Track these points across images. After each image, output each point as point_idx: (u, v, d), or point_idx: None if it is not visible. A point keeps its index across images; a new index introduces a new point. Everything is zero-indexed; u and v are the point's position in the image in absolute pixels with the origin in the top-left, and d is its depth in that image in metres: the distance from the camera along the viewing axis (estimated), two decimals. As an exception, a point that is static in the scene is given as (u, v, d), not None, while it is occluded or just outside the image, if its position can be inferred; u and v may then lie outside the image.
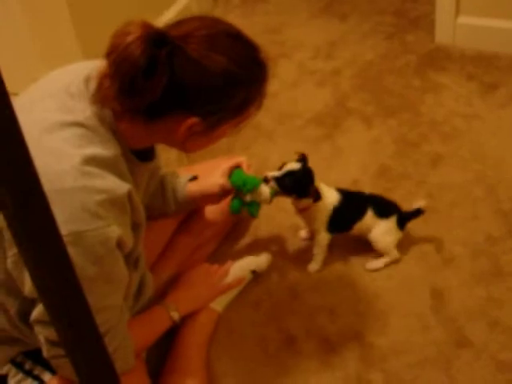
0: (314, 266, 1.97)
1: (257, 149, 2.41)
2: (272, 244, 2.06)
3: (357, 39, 2.92)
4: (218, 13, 3.23)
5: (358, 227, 1.92)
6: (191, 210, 1.91)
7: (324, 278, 1.94)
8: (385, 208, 1.93)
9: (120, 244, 1.24)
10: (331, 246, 1.98)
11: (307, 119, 2.51)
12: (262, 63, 1.35)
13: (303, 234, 2.07)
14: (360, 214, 1.91)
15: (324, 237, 1.93)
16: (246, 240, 2.09)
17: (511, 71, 2.62)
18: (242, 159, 1.84)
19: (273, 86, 2.64)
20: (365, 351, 1.75)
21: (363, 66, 2.75)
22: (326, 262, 1.98)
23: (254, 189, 1.74)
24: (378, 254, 1.96)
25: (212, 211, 1.94)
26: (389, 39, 2.89)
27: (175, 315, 1.69)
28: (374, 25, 3.00)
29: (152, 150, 1.50)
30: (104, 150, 1.25)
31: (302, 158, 1.85)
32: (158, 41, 1.20)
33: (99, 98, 1.27)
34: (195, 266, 1.86)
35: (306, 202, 1.84)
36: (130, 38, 1.19)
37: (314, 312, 1.86)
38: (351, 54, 2.83)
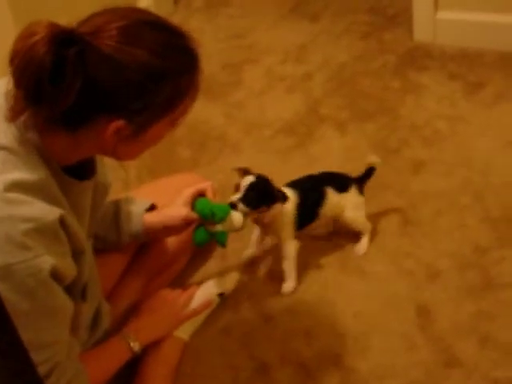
0: (289, 285, 1.98)
1: (223, 162, 2.43)
2: (239, 263, 2.08)
3: (329, 41, 2.97)
4: (179, 17, 3.28)
5: (325, 212, 1.98)
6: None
7: (298, 299, 1.96)
8: (341, 182, 2.02)
9: (56, 274, 1.22)
10: (304, 265, 2.00)
11: (277, 128, 2.54)
12: (189, 51, 1.32)
13: (250, 252, 2.08)
14: (322, 198, 1.97)
15: (292, 245, 1.96)
16: (211, 261, 2.10)
17: (497, 68, 2.68)
18: (206, 185, 1.82)
19: (239, 94, 2.73)
20: (345, 376, 1.76)
21: (337, 69, 2.79)
22: (300, 281, 1.99)
23: (223, 217, 1.74)
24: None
25: (171, 240, 1.95)
26: (364, 39, 2.95)
27: (135, 346, 1.69)
28: (348, 24, 3.05)
29: (90, 165, 1.47)
30: (29, 173, 1.23)
31: (247, 171, 1.88)
32: (65, 40, 1.18)
33: (10, 113, 1.25)
34: (156, 292, 1.86)
35: (276, 208, 1.87)
36: (33, 39, 1.16)
37: (288, 336, 1.87)
38: (323, 57, 2.87)
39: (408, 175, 2.28)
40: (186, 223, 1.76)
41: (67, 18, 1.26)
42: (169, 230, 1.81)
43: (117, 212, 1.79)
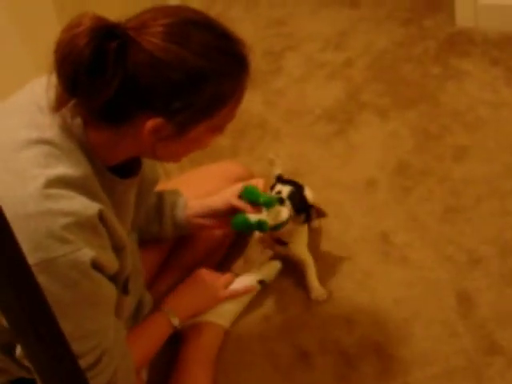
0: (321, 292, 1.94)
1: (263, 150, 2.43)
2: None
3: (370, 27, 2.94)
4: (219, 7, 3.27)
5: None
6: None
7: (338, 286, 1.96)
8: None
9: (97, 266, 1.23)
10: (346, 252, 2.00)
11: (317, 115, 2.53)
12: (236, 55, 1.31)
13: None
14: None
15: (310, 258, 1.96)
16: (252, 249, 2.10)
17: (541, 54, 2.63)
18: (257, 180, 1.80)
19: (279, 81, 2.72)
20: (385, 364, 1.76)
21: (377, 56, 2.76)
22: (341, 269, 1.99)
23: (271, 204, 1.73)
24: None
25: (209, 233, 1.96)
26: (405, 25, 2.91)
27: (175, 321, 1.73)
28: (389, 10, 3.01)
29: (136, 163, 1.47)
30: (72, 169, 1.23)
31: (280, 178, 1.95)
32: (108, 33, 1.17)
33: (55, 103, 1.25)
34: (195, 271, 1.87)
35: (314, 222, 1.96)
36: (76, 30, 1.16)
37: (328, 324, 1.87)
38: (364, 44, 2.84)
39: (450, 162, 2.26)
40: (231, 209, 1.75)
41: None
42: (212, 215, 1.80)
43: (160, 203, 1.80)
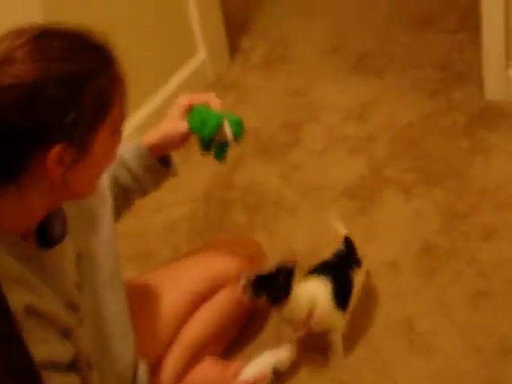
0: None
1: (279, 226, 2.49)
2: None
3: (394, 98, 3.02)
4: (235, 73, 3.38)
5: None
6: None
7: (355, 377, 1.98)
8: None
9: (47, 364, 1.24)
10: (365, 337, 2.03)
11: (337, 192, 2.59)
12: (97, 49, 1.33)
13: None
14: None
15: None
16: (266, 331, 2.14)
17: None
18: (207, 95, 1.79)
19: (297, 154, 2.79)
20: None
21: (402, 129, 2.84)
22: (359, 356, 2.02)
23: (215, 130, 1.73)
24: None
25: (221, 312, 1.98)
26: (432, 96, 2.99)
27: None
28: (415, 80, 3.10)
29: (59, 224, 1.43)
30: None
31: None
32: None
33: None
34: (198, 367, 1.89)
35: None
36: None
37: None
38: (388, 116, 2.93)
39: (478, 242, 2.30)
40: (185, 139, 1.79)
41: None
42: (170, 145, 1.84)
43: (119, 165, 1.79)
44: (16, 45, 1.24)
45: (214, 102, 1.76)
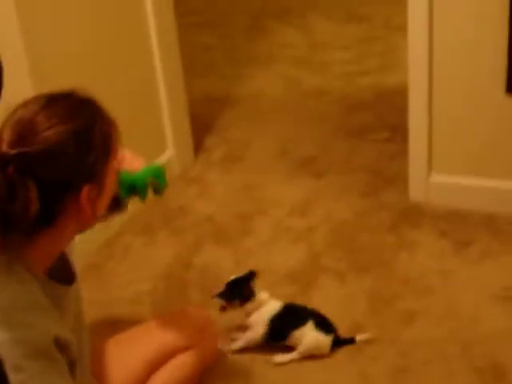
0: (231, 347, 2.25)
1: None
2: None
3: (332, 197, 3.08)
4: (198, 169, 3.42)
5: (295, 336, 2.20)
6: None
7: None
8: (325, 324, 2.22)
9: None
10: None
11: (281, 276, 2.61)
12: (86, 101, 1.40)
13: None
14: (299, 323, 2.19)
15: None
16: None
17: (484, 227, 2.77)
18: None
19: (248, 242, 2.80)
20: None
21: (337, 224, 2.88)
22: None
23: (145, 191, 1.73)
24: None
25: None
26: (363, 197, 3.05)
27: None
28: (349, 183, 3.17)
29: (66, 270, 1.51)
30: (20, 288, 1.29)
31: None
32: (0, 162, 1.24)
33: None
34: None
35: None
36: None
37: None
38: (326, 212, 2.97)
39: (400, 325, 2.32)
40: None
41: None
42: None
43: None
44: (32, 114, 1.31)
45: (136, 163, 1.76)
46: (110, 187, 1.44)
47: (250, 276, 2.27)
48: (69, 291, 1.46)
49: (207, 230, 2.94)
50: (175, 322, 2.01)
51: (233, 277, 2.27)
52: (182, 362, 1.90)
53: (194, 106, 3.80)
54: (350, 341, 2.23)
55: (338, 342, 2.22)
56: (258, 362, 2.24)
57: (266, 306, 2.26)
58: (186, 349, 1.90)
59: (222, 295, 2.24)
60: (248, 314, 2.27)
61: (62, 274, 1.46)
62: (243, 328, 2.30)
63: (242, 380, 2.18)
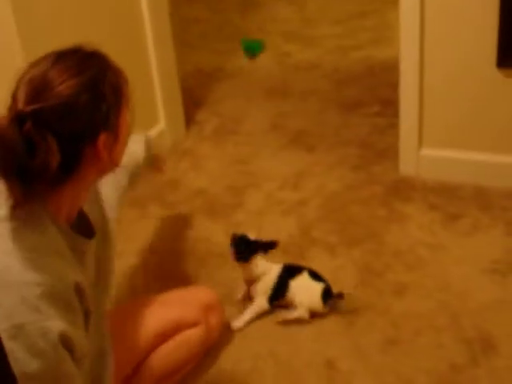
0: (237, 324, 2.26)
1: (223, 277, 2.47)
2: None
3: (323, 170, 3.07)
4: (190, 142, 3.41)
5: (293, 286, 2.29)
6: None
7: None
8: (319, 276, 2.31)
9: (66, 341, 1.26)
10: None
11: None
12: (93, 54, 1.42)
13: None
14: (296, 274, 2.31)
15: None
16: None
17: (473, 201, 2.76)
18: None
19: (240, 214, 2.80)
20: None
21: (329, 197, 2.88)
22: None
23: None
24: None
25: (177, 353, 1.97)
26: (355, 170, 3.05)
27: None
28: (341, 157, 3.16)
29: (86, 225, 1.53)
30: (43, 237, 1.30)
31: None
32: (19, 120, 1.26)
33: (15, 206, 1.31)
34: None
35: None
36: None
37: None
38: (317, 185, 2.96)
39: (391, 297, 2.32)
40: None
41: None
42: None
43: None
44: (44, 71, 1.33)
45: None
46: (125, 134, 1.47)
47: (271, 246, 2.33)
48: (90, 245, 1.48)
49: (199, 202, 2.93)
50: (184, 298, 2.03)
51: (253, 237, 2.32)
52: (189, 337, 1.93)
53: (186, 79, 3.79)
54: (339, 296, 2.28)
55: (328, 293, 2.26)
56: (252, 331, 2.25)
57: (270, 274, 2.31)
58: (193, 324, 1.93)
59: (235, 245, 2.30)
60: (249, 282, 2.33)
61: (83, 228, 1.48)
62: (246, 298, 2.37)
63: (237, 348, 2.19)
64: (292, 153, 3.24)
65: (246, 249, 2.29)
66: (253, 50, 4.38)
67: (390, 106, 3.41)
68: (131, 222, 2.83)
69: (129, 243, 2.69)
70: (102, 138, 1.37)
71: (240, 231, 2.60)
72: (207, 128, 3.54)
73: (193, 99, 3.80)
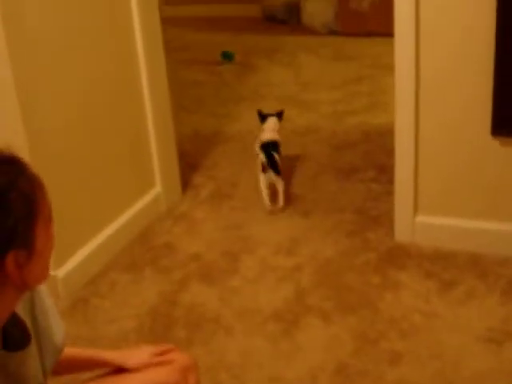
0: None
1: (215, 344, 2.50)
2: None
3: (318, 236, 3.13)
4: (186, 206, 3.47)
5: None
6: None
7: None
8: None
9: None
10: None
11: (267, 315, 2.64)
12: (5, 160, 1.31)
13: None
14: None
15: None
16: None
17: (468, 269, 2.81)
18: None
19: (235, 280, 2.83)
20: None
21: (324, 263, 2.92)
22: None
23: None
24: None
25: None
26: (350, 237, 3.10)
27: None
28: (336, 222, 3.22)
29: (23, 332, 1.42)
30: None
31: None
32: None
33: None
34: None
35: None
36: None
37: None
38: (312, 251, 3.01)
39: (385, 365, 2.35)
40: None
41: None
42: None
43: None
44: None
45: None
46: (44, 250, 1.33)
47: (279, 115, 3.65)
48: (25, 354, 1.40)
49: (193, 268, 2.97)
50: (161, 362, 2.03)
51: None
52: None
53: (183, 142, 3.87)
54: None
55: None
56: None
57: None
58: None
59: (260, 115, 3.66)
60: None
61: (16, 339, 1.40)
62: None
63: None
64: (287, 218, 3.30)
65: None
66: (229, 57, 5.73)
67: (385, 172, 3.49)
68: (125, 287, 2.87)
69: (122, 308, 2.72)
70: (11, 257, 1.24)
71: (235, 298, 2.65)
72: (203, 192, 3.61)
73: (189, 163, 3.88)
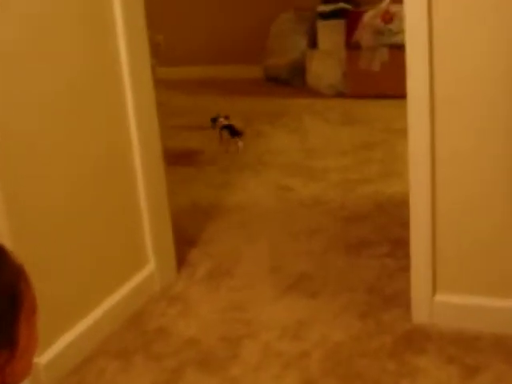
0: None
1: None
2: None
3: (327, 318, 3.12)
4: (180, 286, 3.47)
5: None
6: None
7: None
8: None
9: None
10: None
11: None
12: None
13: None
14: None
15: None
16: None
17: (494, 352, 2.79)
18: None
19: (235, 369, 2.82)
20: None
21: (333, 348, 2.91)
22: None
23: None
24: None
25: None
26: (362, 318, 3.09)
27: None
28: (346, 303, 3.21)
29: None
30: None
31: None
32: None
33: None
34: None
35: None
36: None
37: None
38: (321, 335, 3.00)
39: None
40: None
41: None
42: None
43: None
44: None
45: None
46: (27, 347, 1.33)
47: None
48: None
49: (189, 354, 2.95)
50: None
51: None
52: None
53: (178, 216, 3.89)
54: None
55: None
56: None
57: None
58: None
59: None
60: None
61: None
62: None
63: None
64: (292, 299, 3.30)
65: None
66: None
67: (400, 246, 3.50)
68: (114, 375, 2.85)
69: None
70: None
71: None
72: (200, 270, 3.62)
73: (185, 238, 3.90)
